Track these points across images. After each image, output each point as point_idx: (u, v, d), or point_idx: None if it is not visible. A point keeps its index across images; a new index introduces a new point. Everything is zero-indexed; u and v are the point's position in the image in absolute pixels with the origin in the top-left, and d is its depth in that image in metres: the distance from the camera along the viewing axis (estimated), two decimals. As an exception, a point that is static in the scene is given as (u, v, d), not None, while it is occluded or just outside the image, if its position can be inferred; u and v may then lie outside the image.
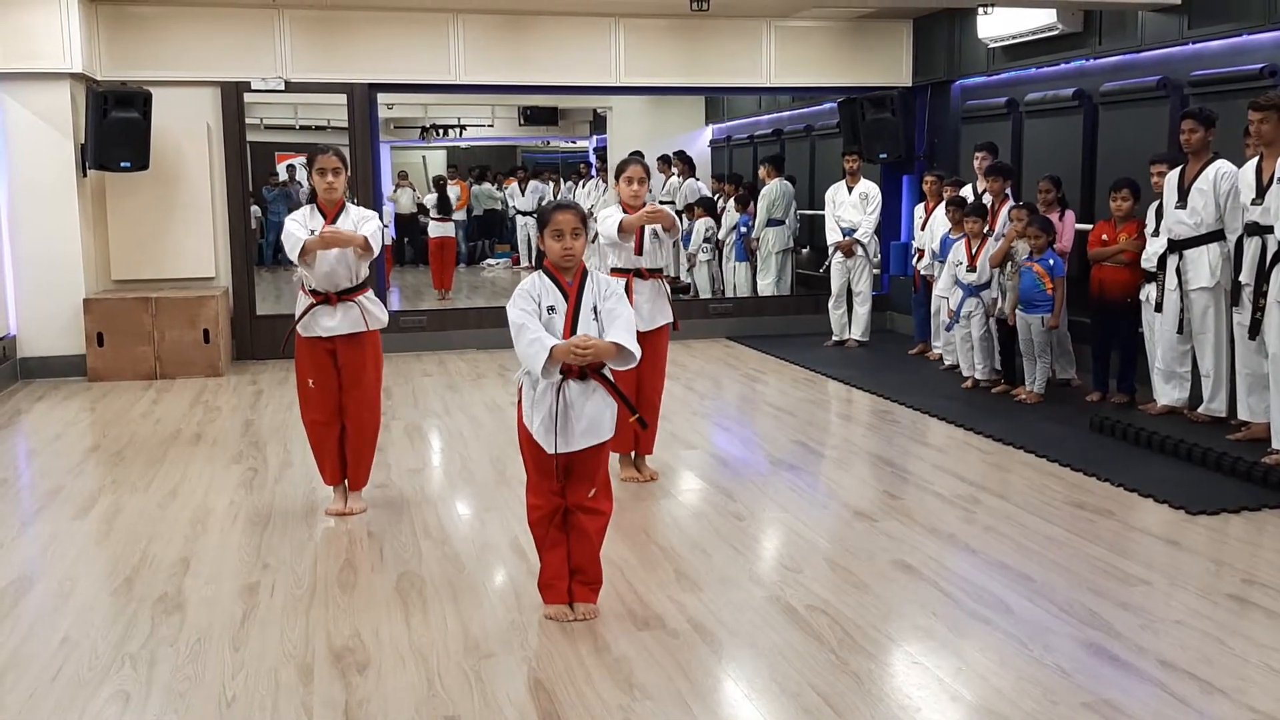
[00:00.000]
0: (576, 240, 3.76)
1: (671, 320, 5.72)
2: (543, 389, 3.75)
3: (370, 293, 5.18)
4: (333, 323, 5.05)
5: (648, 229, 5.54)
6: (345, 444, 5.20)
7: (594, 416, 3.79)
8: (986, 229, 7.83)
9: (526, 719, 3.22)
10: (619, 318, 3.76)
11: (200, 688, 3.42)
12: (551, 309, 3.76)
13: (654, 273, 5.66)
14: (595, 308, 3.77)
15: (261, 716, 3.24)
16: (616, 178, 5.66)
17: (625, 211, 5.52)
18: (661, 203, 13.86)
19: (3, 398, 8.08)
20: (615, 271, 5.54)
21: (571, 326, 3.74)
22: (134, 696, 3.36)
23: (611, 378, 3.86)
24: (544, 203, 17.36)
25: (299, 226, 4.97)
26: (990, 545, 4.66)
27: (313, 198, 5.12)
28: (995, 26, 8.96)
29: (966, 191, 8.52)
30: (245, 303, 9.64)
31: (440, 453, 6.50)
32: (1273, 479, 5.32)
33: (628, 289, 4.87)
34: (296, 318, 5.09)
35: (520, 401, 3.86)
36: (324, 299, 5.05)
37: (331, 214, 5.04)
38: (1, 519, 5.19)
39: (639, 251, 5.58)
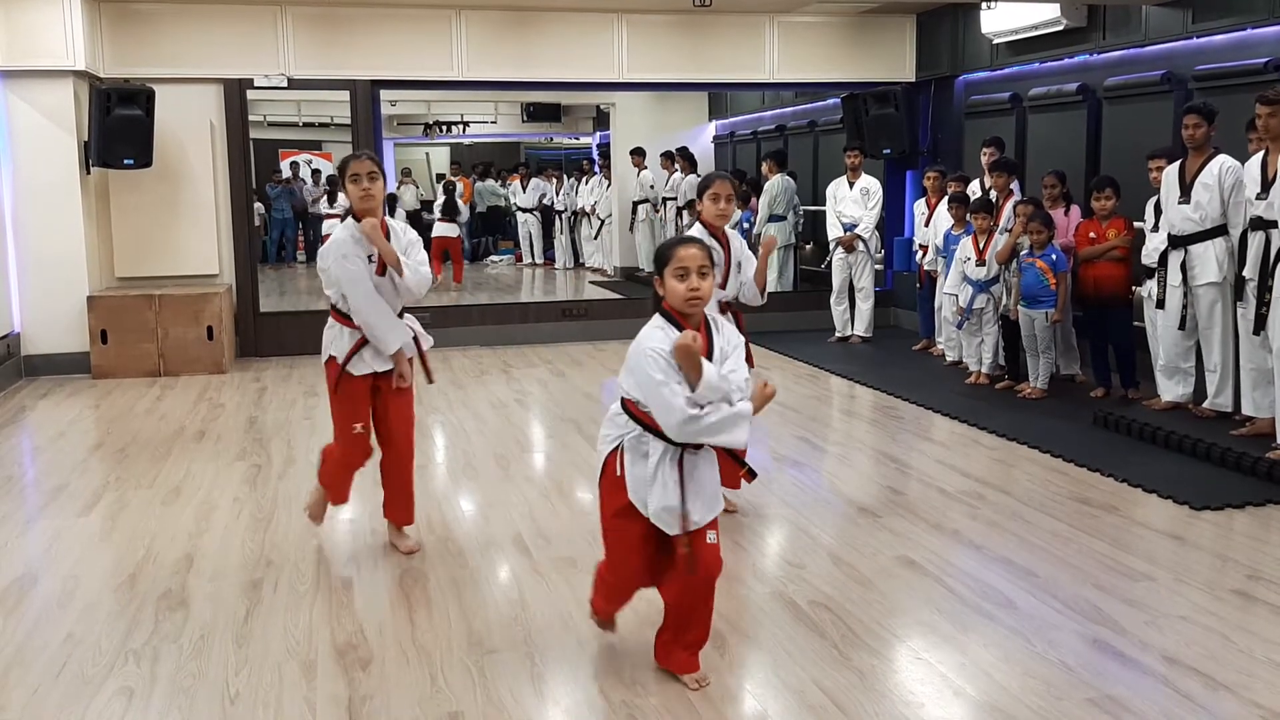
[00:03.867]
0: (704, 280, 3.19)
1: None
2: (656, 461, 3.22)
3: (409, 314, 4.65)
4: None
5: (734, 263, 4.87)
6: (386, 477, 4.69)
7: (713, 486, 3.33)
8: (992, 224, 7.82)
9: (529, 715, 3.22)
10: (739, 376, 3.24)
11: (204, 684, 3.42)
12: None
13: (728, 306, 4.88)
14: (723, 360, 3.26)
15: (265, 713, 3.24)
16: (700, 195, 4.82)
17: (707, 229, 4.77)
18: (664, 199, 13.89)
19: (7, 395, 8.09)
20: None
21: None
22: (138, 693, 3.37)
23: None
24: (557, 197, 17.31)
25: (360, 270, 4.32)
26: (994, 541, 4.65)
27: (349, 213, 4.42)
28: (998, 21, 8.95)
29: (974, 187, 8.51)
30: (249, 300, 9.63)
31: (444, 449, 6.50)
32: (1277, 474, 5.31)
33: None
34: (344, 356, 4.44)
35: (610, 473, 3.33)
36: None
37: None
38: (6, 516, 5.20)
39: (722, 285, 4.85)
